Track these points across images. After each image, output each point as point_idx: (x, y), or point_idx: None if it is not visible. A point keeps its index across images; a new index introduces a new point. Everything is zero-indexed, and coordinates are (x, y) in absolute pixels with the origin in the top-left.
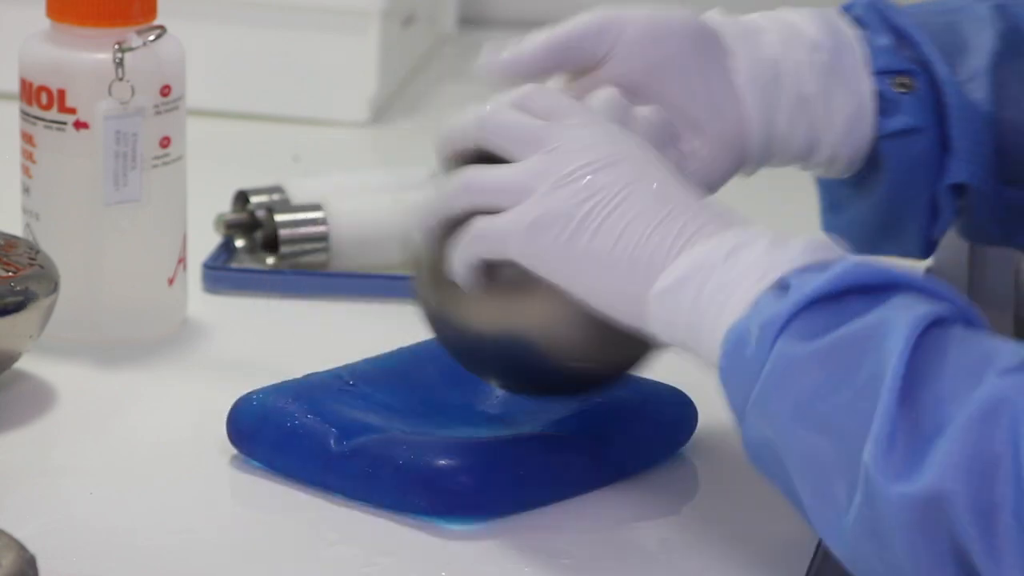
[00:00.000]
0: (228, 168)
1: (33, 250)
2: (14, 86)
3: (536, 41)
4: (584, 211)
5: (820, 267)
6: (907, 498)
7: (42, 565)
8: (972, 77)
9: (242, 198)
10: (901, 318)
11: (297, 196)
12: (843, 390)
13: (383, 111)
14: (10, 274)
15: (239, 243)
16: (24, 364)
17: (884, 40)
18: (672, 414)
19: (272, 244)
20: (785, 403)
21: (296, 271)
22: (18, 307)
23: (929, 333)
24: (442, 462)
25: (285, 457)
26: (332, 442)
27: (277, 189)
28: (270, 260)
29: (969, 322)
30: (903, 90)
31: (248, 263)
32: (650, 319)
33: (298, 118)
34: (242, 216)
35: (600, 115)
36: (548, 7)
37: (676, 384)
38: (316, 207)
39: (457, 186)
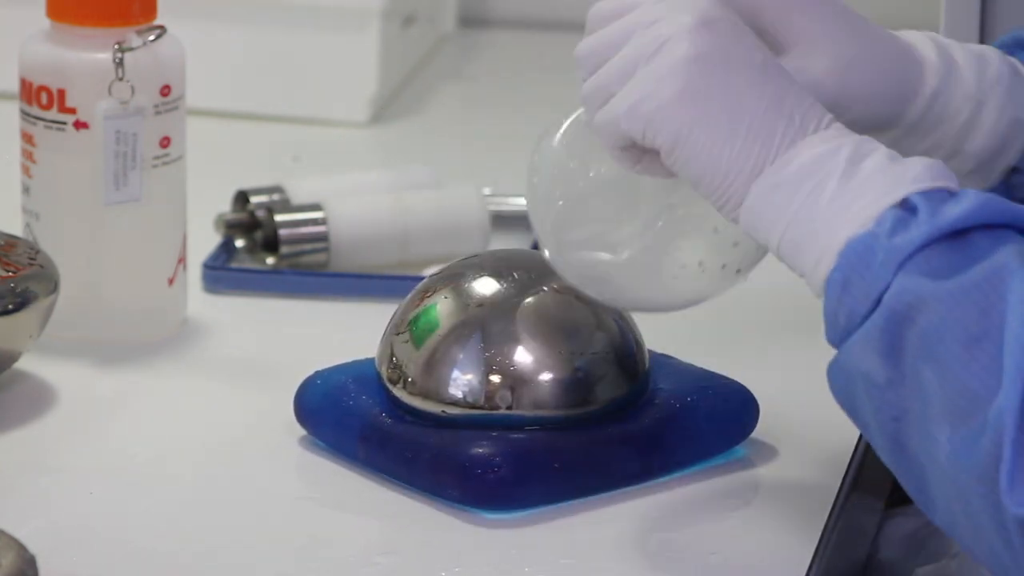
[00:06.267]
0: (228, 168)
1: (33, 250)
2: (14, 86)
3: None
4: (696, 69)
5: (945, 195)
6: None
7: (42, 565)
8: None
9: (242, 198)
10: (1020, 277)
11: (297, 196)
12: (959, 335)
13: (383, 111)
14: (10, 274)
15: (239, 243)
16: (24, 364)
17: None
18: (730, 409)
19: (272, 244)
20: (902, 339)
21: (296, 271)
22: (18, 307)
23: None
24: (474, 451)
25: (342, 435)
26: (379, 422)
27: (277, 189)
28: (270, 260)
29: None
30: None
31: (248, 263)
32: (747, 208)
33: (298, 118)
34: (242, 216)
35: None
36: (548, 7)
37: (737, 377)
38: (316, 207)
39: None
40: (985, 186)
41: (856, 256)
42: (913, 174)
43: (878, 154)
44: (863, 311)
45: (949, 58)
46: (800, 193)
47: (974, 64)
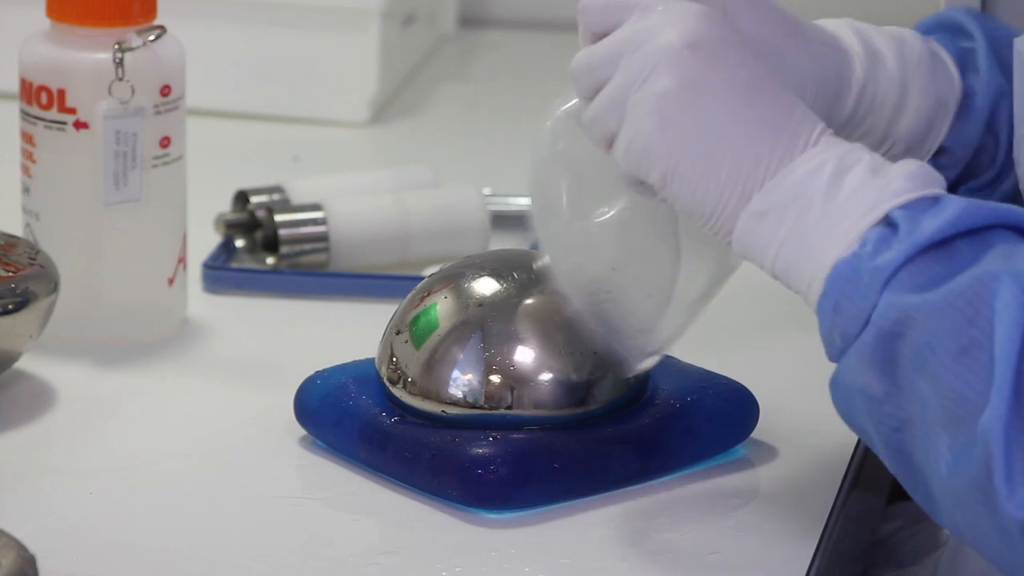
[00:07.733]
0: (228, 168)
1: (33, 250)
2: (14, 86)
3: None
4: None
5: (926, 205)
6: None
7: (42, 565)
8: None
9: (242, 198)
10: (1006, 282)
11: (297, 196)
12: (949, 345)
13: (383, 111)
14: (10, 274)
15: (239, 243)
16: (24, 364)
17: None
18: (730, 409)
19: (272, 244)
20: (895, 353)
21: (296, 271)
22: (18, 307)
23: None
24: (474, 451)
25: (342, 435)
26: (379, 423)
27: (277, 189)
28: (270, 260)
29: None
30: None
31: (248, 263)
32: (738, 235)
33: (298, 118)
34: (242, 216)
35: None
36: (548, 7)
37: (737, 377)
38: (316, 207)
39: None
40: None
41: (843, 280)
42: (895, 187)
43: (861, 166)
44: (854, 331)
45: (872, 46)
46: (787, 219)
47: (895, 48)
